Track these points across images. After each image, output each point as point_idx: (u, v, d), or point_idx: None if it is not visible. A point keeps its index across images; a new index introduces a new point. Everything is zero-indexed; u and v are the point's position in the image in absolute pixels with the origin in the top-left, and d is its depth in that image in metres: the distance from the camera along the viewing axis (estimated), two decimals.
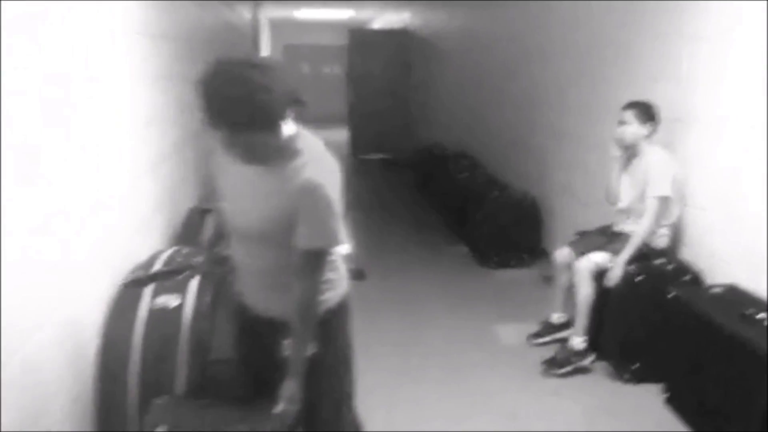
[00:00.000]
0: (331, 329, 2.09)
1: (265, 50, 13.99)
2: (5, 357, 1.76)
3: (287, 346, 2.01)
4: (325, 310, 2.05)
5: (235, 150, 1.83)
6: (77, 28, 2.42)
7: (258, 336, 2.12)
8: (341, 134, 12.63)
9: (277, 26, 16.54)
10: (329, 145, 1.98)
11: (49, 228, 2.05)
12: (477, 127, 8.35)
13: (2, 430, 1.72)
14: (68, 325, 2.21)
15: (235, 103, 1.68)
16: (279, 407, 1.90)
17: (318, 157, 1.89)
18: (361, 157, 11.70)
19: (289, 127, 1.87)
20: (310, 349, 2.01)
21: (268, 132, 1.77)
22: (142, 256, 3.10)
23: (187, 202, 4.41)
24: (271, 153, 1.85)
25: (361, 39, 12.52)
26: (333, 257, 2.06)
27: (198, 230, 3.68)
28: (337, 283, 2.10)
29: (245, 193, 1.95)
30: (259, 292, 2.07)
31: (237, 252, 2.07)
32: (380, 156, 11.86)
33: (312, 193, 1.81)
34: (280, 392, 1.92)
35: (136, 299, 2.49)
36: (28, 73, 1.93)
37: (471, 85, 8.60)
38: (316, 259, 1.91)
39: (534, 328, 4.23)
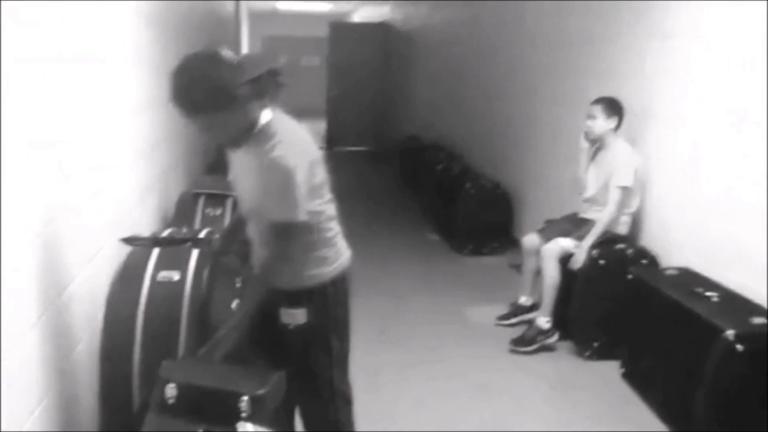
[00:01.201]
0: (326, 301, 2.30)
1: (245, 41, 14.07)
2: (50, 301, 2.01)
3: (284, 314, 2.24)
4: (319, 283, 2.26)
5: (202, 133, 2.09)
6: (84, 12, 2.60)
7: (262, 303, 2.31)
8: (319, 126, 12.79)
9: (257, 17, 16.62)
10: None
11: (67, 204, 2.27)
12: (453, 119, 8.60)
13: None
14: (86, 282, 2.48)
15: (183, 90, 1.94)
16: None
17: (289, 139, 2.08)
18: (337, 149, 11.89)
19: (266, 113, 2.09)
20: (303, 318, 2.24)
21: (219, 114, 1.96)
22: (139, 232, 3.31)
23: (178, 186, 4.60)
24: (237, 136, 2.07)
25: (341, 32, 12.71)
26: (330, 234, 2.28)
27: (190, 213, 3.87)
28: (333, 259, 2.31)
29: (239, 175, 2.22)
30: (262, 263, 2.26)
31: (249, 228, 2.32)
32: (357, 148, 12.06)
33: (274, 171, 2.03)
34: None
35: (140, 272, 2.70)
36: (31, 63, 2.08)
37: (448, 78, 8.85)
38: (279, 230, 2.11)
39: (502, 310, 4.51)
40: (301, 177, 2.05)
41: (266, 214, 2.10)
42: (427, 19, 10.01)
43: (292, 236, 2.14)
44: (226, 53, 1.97)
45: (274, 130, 2.08)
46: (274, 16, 17.19)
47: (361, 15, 15.78)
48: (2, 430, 1.73)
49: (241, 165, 2.18)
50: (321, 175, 2.21)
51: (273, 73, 2.06)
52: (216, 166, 5.14)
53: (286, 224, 2.10)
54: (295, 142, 2.11)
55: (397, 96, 12.26)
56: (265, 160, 2.03)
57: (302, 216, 2.09)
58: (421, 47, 10.50)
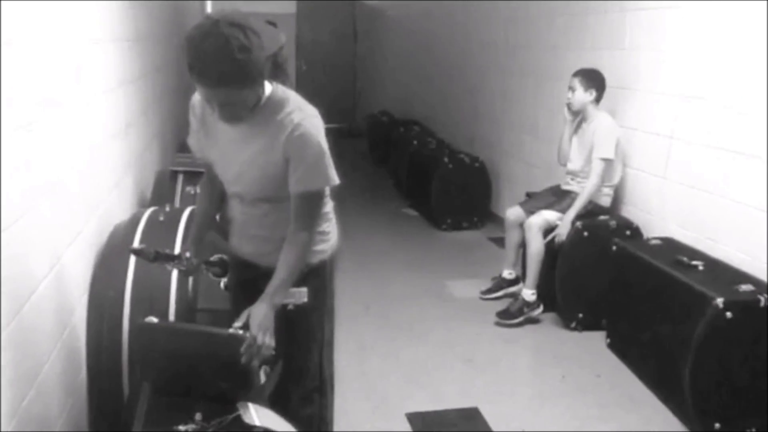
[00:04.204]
0: (324, 280, 2.23)
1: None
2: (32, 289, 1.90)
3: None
4: (320, 261, 2.18)
5: (213, 105, 1.89)
6: None
7: (255, 285, 2.17)
8: None
9: None
10: None
11: (44, 187, 2.16)
12: (426, 94, 8.54)
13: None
14: (69, 265, 2.37)
15: (214, 59, 1.73)
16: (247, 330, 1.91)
17: (301, 105, 2.00)
18: None
19: (267, 85, 1.98)
20: (305, 297, 2.16)
21: (245, 90, 1.84)
22: (117, 214, 3.23)
23: (153, 165, 4.49)
24: (248, 111, 1.93)
25: (309, 7, 12.49)
26: (326, 209, 2.20)
27: (170, 192, 3.77)
28: (332, 235, 2.24)
29: (239, 156, 2.03)
30: (262, 246, 2.15)
31: (237, 211, 2.17)
32: (327, 125, 11.88)
33: (301, 138, 1.94)
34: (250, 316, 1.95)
35: (125, 253, 2.60)
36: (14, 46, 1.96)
37: (419, 53, 8.77)
38: (312, 202, 2.04)
39: (484, 284, 4.51)
40: (324, 141, 1.99)
41: (293, 187, 1.98)
42: None
43: (322, 205, 2.09)
44: (254, 23, 1.80)
45: (285, 96, 1.99)
46: None
47: None
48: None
49: (240, 146, 2.01)
50: None
51: (281, 48, 1.98)
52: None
53: (318, 193, 2.03)
54: (305, 106, 2.01)
55: (367, 72, 12.14)
56: (286, 130, 1.93)
57: (335, 180, 2.02)
58: (391, 22, 10.39)
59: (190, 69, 1.78)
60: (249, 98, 1.90)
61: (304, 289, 2.17)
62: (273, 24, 2.17)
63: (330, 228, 2.23)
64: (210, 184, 2.25)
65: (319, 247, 2.18)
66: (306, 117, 1.97)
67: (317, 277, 2.21)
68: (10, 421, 1.77)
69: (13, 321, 1.82)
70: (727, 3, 3.26)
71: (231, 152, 2.05)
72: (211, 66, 1.75)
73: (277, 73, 2.02)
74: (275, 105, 1.98)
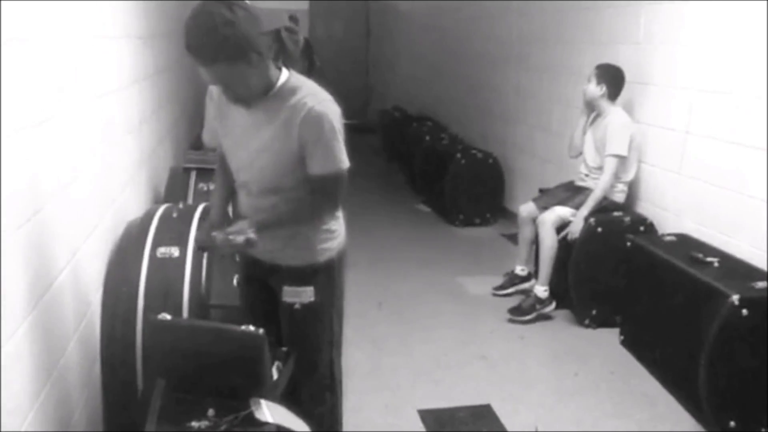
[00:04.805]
0: (331, 278, 2.23)
1: None
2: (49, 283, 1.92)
3: (289, 293, 2.18)
4: (327, 259, 2.19)
5: (215, 84, 1.94)
6: None
7: (262, 282, 2.25)
8: None
9: None
10: None
11: (58, 184, 2.16)
12: (439, 90, 8.52)
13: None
14: (84, 261, 2.39)
15: (201, 34, 1.81)
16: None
17: (315, 90, 2.02)
18: None
19: (284, 73, 2.02)
20: (311, 296, 2.17)
21: (238, 65, 1.85)
22: (132, 210, 3.25)
23: (166, 162, 4.50)
24: (251, 91, 1.95)
25: (322, 4, 12.50)
26: None
27: (183, 189, 3.79)
28: (339, 233, 2.24)
29: (252, 144, 2.04)
30: (268, 243, 2.12)
31: (245, 204, 2.18)
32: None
33: (317, 121, 1.95)
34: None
35: (139, 250, 2.63)
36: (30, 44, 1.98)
37: (432, 49, 8.75)
38: (331, 183, 2.04)
39: (497, 281, 4.49)
40: (340, 126, 2.00)
41: (312, 169, 2.00)
42: None
43: (340, 190, 2.09)
44: (245, 2, 1.84)
45: (299, 84, 2.01)
46: None
47: None
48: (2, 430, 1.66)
49: (253, 136, 2.03)
50: None
51: (290, 31, 1.99)
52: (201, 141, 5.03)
53: (335, 175, 2.03)
54: (321, 92, 2.02)
55: (379, 67, 12.13)
56: (300, 114, 1.94)
57: (347, 163, 2.03)
58: (403, 18, 10.36)
59: (187, 49, 1.85)
60: (247, 76, 1.91)
61: (310, 288, 2.19)
62: (295, 18, 2.18)
63: (337, 226, 2.23)
64: (223, 172, 2.27)
65: (326, 245, 2.19)
66: (320, 101, 1.99)
67: (325, 275, 2.21)
68: (28, 412, 1.79)
69: (30, 315, 1.84)
70: None
71: (244, 139, 2.07)
72: (198, 43, 1.83)
73: (280, 55, 2.01)
74: (289, 91, 2.00)
